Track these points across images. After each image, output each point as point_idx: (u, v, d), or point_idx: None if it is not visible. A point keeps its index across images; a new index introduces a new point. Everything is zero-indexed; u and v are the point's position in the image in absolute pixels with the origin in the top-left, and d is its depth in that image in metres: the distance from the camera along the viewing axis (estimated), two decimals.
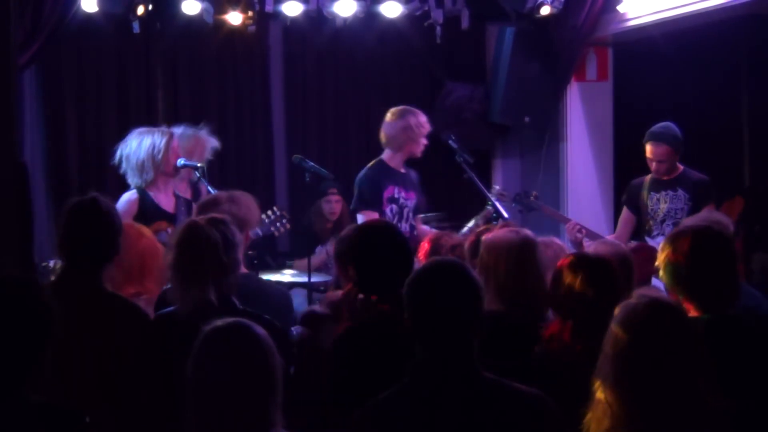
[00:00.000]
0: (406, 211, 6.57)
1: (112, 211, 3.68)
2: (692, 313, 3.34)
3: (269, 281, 4.38)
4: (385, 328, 3.54)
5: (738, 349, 3.28)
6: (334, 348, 3.65)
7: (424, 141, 6.52)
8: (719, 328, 3.29)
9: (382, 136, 6.59)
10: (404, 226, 6.47)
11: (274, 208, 5.99)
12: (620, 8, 7.68)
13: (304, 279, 6.40)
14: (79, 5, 6.86)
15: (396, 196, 6.53)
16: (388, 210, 6.49)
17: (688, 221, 5.02)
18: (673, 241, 3.46)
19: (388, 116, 6.58)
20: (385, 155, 6.61)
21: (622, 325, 2.83)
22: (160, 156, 5.86)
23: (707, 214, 4.90)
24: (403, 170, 6.63)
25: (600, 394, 2.83)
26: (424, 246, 4.97)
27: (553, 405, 2.85)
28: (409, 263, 3.76)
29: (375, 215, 6.31)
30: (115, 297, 3.61)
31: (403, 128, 6.50)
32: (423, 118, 6.54)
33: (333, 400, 3.56)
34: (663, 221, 6.34)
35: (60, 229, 3.62)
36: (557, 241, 4.95)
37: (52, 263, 5.44)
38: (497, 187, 6.93)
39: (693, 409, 2.79)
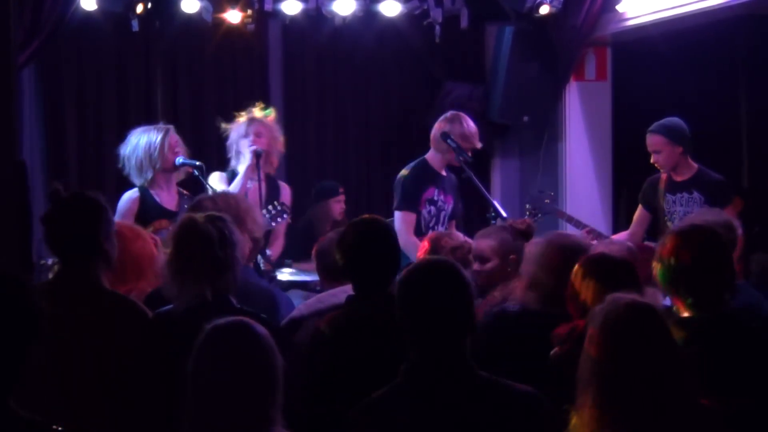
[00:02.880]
0: (443, 214, 6.50)
1: (92, 204, 3.65)
2: (685, 312, 3.33)
3: (254, 281, 4.36)
4: (370, 325, 3.57)
5: (731, 348, 3.28)
6: (315, 343, 3.67)
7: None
8: (712, 326, 3.29)
9: (431, 136, 6.53)
10: (440, 230, 6.40)
11: (275, 203, 5.98)
12: (619, 8, 7.69)
13: (301, 278, 6.42)
14: (79, 4, 6.87)
15: (435, 198, 6.47)
16: (425, 212, 6.43)
17: (690, 219, 5.01)
18: (664, 241, 3.47)
19: (440, 118, 6.52)
20: (429, 155, 6.53)
21: (602, 328, 2.84)
22: (156, 153, 5.85)
23: (716, 215, 4.88)
24: (444, 173, 6.55)
25: (584, 398, 2.83)
26: (424, 245, 4.97)
27: (548, 404, 2.86)
28: (395, 260, 3.78)
29: (413, 216, 6.27)
30: (114, 294, 3.61)
31: (442, 133, 6.44)
32: (467, 130, 6.39)
33: (311, 397, 3.58)
34: None
35: (45, 231, 3.63)
36: None
37: (50, 261, 5.45)
38: (528, 209, 6.86)
39: (680, 411, 2.80)
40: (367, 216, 3.99)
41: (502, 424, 2.77)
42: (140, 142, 5.89)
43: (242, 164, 6.17)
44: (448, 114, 6.56)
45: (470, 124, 6.48)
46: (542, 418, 2.81)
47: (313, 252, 4.63)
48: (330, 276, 4.38)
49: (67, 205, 3.64)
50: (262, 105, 6.46)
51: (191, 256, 3.61)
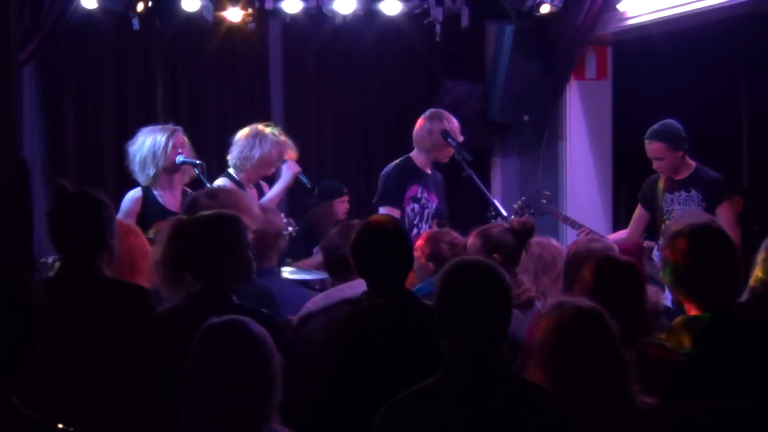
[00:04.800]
0: (427, 212, 6.52)
1: (96, 201, 3.67)
2: (694, 311, 3.32)
3: (253, 279, 4.36)
4: (380, 322, 3.58)
5: (740, 348, 3.27)
6: (325, 341, 3.68)
7: (450, 150, 6.41)
8: (721, 326, 3.28)
9: (414, 134, 6.55)
10: (424, 227, 6.42)
11: (281, 215, 6.02)
12: (620, 7, 7.69)
13: (300, 276, 6.42)
14: (79, 2, 6.88)
15: (419, 196, 6.48)
16: (409, 209, 6.44)
17: (683, 218, 5.01)
18: (672, 240, 3.45)
19: (422, 116, 6.54)
20: (413, 153, 6.54)
21: (551, 330, 2.95)
22: (159, 151, 5.87)
23: (698, 215, 4.90)
24: (429, 171, 6.56)
25: None
26: (421, 243, 4.97)
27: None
28: (409, 259, 3.79)
29: (396, 212, 6.27)
30: (115, 282, 3.63)
31: (429, 132, 6.43)
32: (451, 126, 6.41)
33: (323, 394, 3.60)
34: None
35: (48, 230, 3.64)
36: (554, 242, 4.95)
37: (50, 260, 5.46)
38: (521, 200, 6.86)
39: (620, 411, 2.91)
40: (377, 215, 3.98)
41: (535, 426, 2.82)
42: (146, 140, 5.92)
43: (279, 182, 6.33)
44: (432, 111, 6.57)
45: (454, 120, 6.50)
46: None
47: (319, 249, 4.61)
48: (337, 272, 4.36)
49: (74, 201, 3.64)
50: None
51: (184, 257, 3.62)
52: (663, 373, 3.08)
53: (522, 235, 4.49)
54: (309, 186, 6.40)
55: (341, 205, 7.48)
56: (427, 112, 6.56)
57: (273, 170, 6.36)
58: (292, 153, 6.50)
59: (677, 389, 3.07)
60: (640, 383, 3.06)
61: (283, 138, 6.41)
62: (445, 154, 6.44)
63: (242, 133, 6.32)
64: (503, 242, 4.45)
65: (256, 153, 6.23)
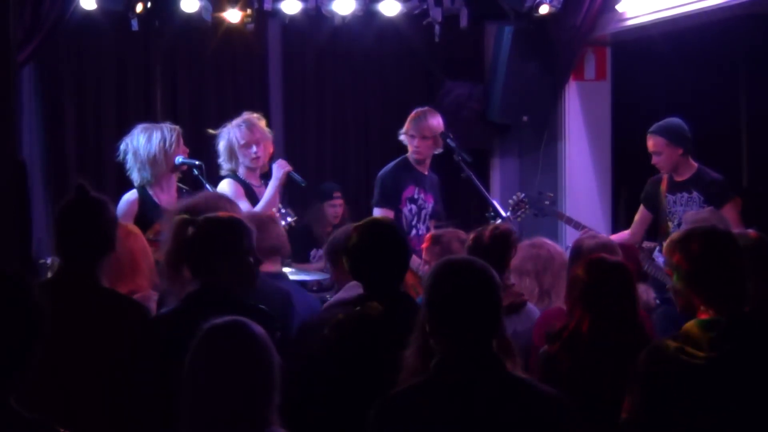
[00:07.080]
0: (424, 213, 6.53)
1: (104, 204, 3.65)
2: (706, 315, 3.29)
3: (269, 281, 4.36)
4: (375, 324, 3.59)
5: (761, 350, 3.25)
6: (321, 343, 3.67)
7: (414, 143, 6.45)
8: (739, 328, 3.26)
9: None
10: (422, 228, 6.44)
11: (279, 205, 6.01)
12: (619, 8, 7.69)
13: (299, 277, 6.42)
14: (78, 2, 6.89)
15: (416, 196, 6.50)
16: (406, 210, 6.45)
17: (693, 221, 5.00)
18: (682, 244, 3.42)
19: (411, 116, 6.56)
20: (409, 154, 6.58)
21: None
22: (171, 150, 5.86)
23: (707, 215, 4.89)
24: (426, 172, 6.58)
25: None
26: (427, 243, 4.97)
27: (572, 408, 2.90)
28: (405, 261, 3.79)
29: (391, 213, 6.28)
30: (113, 293, 3.62)
31: (406, 126, 6.49)
32: (423, 123, 6.43)
33: (320, 395, 3.60)
34: (680, 224, 6.26)
35: (55, 226, 3.63)
36: (547, 240, 4.96)
37: (49, 260, 5.45)
38: (519, 195, 6.85)
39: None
40: (373, 217, 3.99)
41: (528, 423, 2.81)
42: (153, 138, 5.84)
43: (271, 182, 6.13)
44: (418, 111, 6.57)
45: (435, 119, 6.52)
46: (566, 421, 2.86)
47: (324, 252, 4.61)
48: (344, 275, 4.34)
49: (86, 200, 3.62)
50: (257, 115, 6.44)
51: (187, 256, 3.63)
52: (683, 378, 3.07)
53: (496, 239, 4.44)
54: (303, 184, 6.29)
55: (331, 209, 7.48)
56: (416, 111, 6.58)
57: (257, 151, 6.20)
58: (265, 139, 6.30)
59: (699, 394, 3.07)
60: (655, 389, 3.07)
61: (246, 116, 6.30)
62: (417, 150, 6.44)
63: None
64: (477, 243, 4.43)
65: (231, 139, 6.17)
